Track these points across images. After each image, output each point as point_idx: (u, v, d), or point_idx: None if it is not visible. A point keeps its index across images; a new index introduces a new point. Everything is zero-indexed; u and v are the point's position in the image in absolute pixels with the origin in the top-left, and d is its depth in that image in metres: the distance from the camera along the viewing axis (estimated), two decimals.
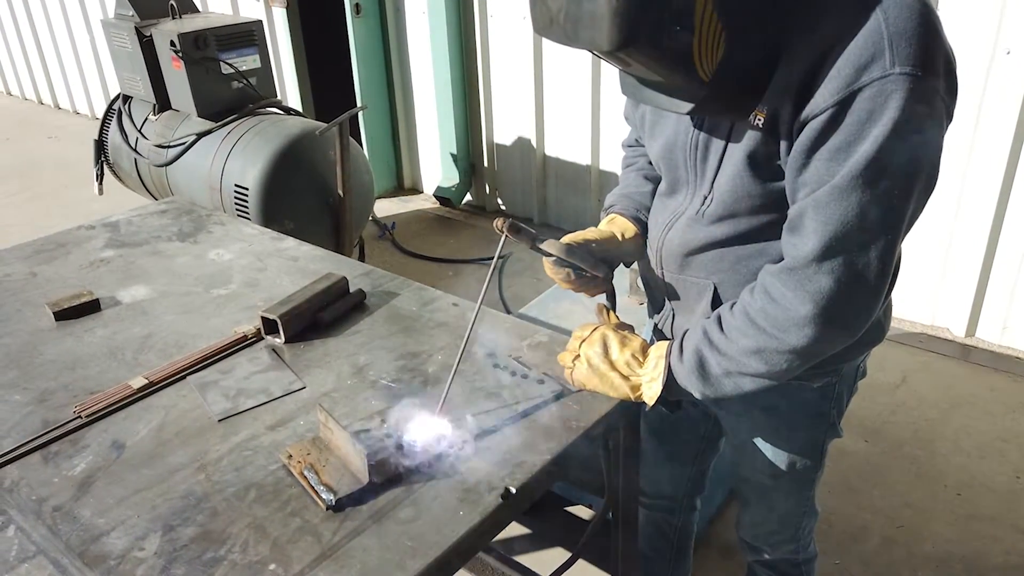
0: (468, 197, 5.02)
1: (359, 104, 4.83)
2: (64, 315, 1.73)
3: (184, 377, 1.51)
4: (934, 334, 3.45)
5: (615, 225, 1.47)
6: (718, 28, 1.00)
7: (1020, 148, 3.03)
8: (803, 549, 1.68)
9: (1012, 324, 3.30)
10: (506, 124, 4.65)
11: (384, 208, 5.04)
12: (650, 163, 1.53)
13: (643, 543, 1.87)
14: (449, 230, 4.79)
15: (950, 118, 1.08)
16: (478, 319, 1.63)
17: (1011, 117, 2.99)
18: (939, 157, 1.08)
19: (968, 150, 3.11)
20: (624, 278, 2.54)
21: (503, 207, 4.93)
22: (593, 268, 1.40)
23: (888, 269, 1.11)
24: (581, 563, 1.68)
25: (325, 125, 3.30)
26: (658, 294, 1.45)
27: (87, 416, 1.39)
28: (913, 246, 3.31)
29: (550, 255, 1.37)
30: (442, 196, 4.89)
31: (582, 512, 2.23)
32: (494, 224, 1.29)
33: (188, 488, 1.22)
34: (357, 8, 4.69)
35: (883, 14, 1.00)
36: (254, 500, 1.19)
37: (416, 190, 5.37)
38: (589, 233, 1.44)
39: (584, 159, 4.39)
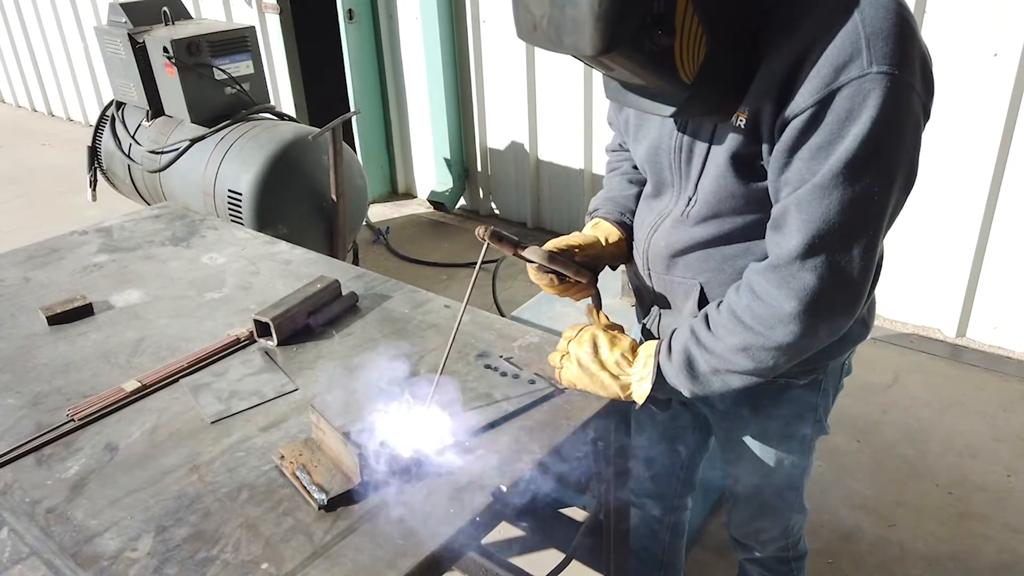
0: (462, 201, 5.04)
1: (352, 109, 4.85)
2: (57, 319, 1.73)
3: (177, 380, 1.52)
4: (925, 334, 3.47)
5: (599, 230, 1.48)
6: (699, 31, 1.02)
7: (1008, 149, 3.06)
8: (793, 546, 1.70)
9: (1002, 324, 3.33)
10: (499, 128, 4.67)
11: (378, 213, 5.05)
12: (634, 167, 1.55)
13: (635, 543, 1.88)
14: (443, 234, 4.80)
15: (927, 116, 1.10)
16: (471, 321, 1.65)
17: (999, 118, 3.01)
18: (918, 154, 1.10)
19: (957, 152, 3.14)
20: (615, 280, 2.55)
21: (497, 211, 4.95)
22: (576, 274, 1.41)
23: (870, 265, 1.12)
24: (575, 564, 1.69)
25: (318, 130, 3.31)
26: (645, 295, 1.47)
27: (80, 419, 1.40)
28: (904, 247, 3.34)
29: (532, 262, 1.38)
30: (436, 200, 4.90)
31: (575, 513, 2.23)
32: (476, 232, 1.30)
33: (181, 489, 1.23)
34: (350, 14, 4.71)
35: (860, 14, 1.02)
36: (246, 500, 1.20)
37: (410, 195, 5.38)
38: (572, 239, 1.45)
39: (577, 163, 4.41)
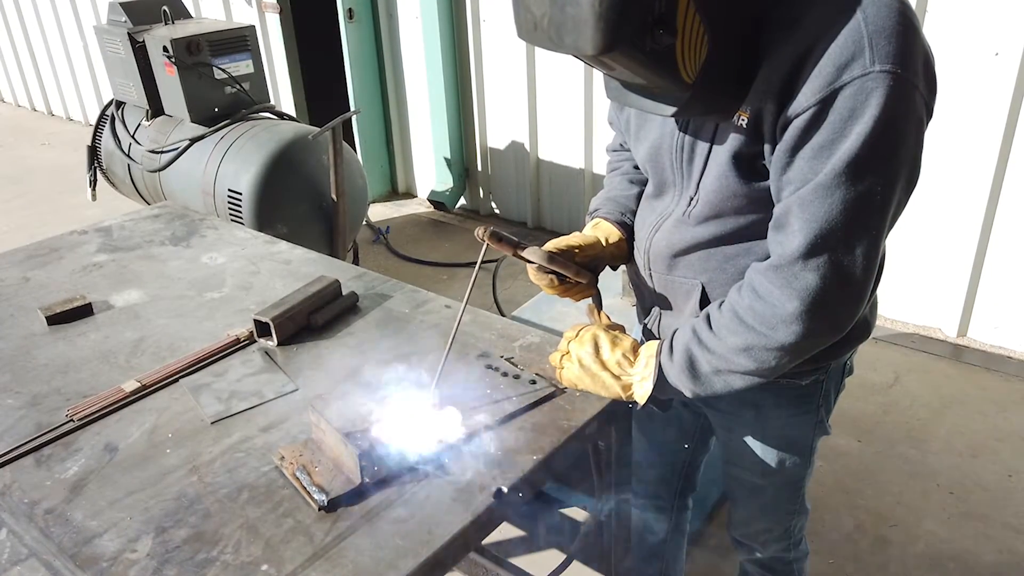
0: (462, 201, 5.03)
1: (352, 109, 4.84)
2: (57, 319, 1.73)
3: (177, 380, 1.51)
4: (926, 334, 3.47)
5: (599, 230, 1.48)
6: (700, 30, 1.02)
7: (1009, 149, 3.06)
8: (794, 547, 1.69)
9: (1003, 324, 3.32)
10: (500, 128, 4.66)
11: (378, 212, 5.04)
12: (635, 167, 1.54)
13: (635, 543, 1.87)
14: (443, 234, 4.79)
15: (930, 114, 1.09)
16: (471, 321, 1.64)
17: (1000, 118, 3.01)
18: (920, 153, 1.10)
19: (958, 151, 3.13)
20: (616, 280, 2.55)
21: (497, 211, 4.95)
22: (576, 274, 1.41)
23: (873, 265, 1.12)
24: (575, 564, 1.69)
25: (318, 130, 3.31)
26: (646, 295, 1.47)
27: (79, 419, 1.40)
28: (905, 247, 3.33)
29: (532, 262, 1.38)
30: (436, 200, 4.90)
31: (576, 513, 2.23)
32: (475, 232, 1.30)
33: (181, 490, 1.23)
34: (350, 13, 4.70)
35: (862, 13, 1.02)
36: (247, 501, 1.20)
37: (410, 194, 5.37)
38: (572, 239, 1.45)
39: (578, 162, 4.40)
